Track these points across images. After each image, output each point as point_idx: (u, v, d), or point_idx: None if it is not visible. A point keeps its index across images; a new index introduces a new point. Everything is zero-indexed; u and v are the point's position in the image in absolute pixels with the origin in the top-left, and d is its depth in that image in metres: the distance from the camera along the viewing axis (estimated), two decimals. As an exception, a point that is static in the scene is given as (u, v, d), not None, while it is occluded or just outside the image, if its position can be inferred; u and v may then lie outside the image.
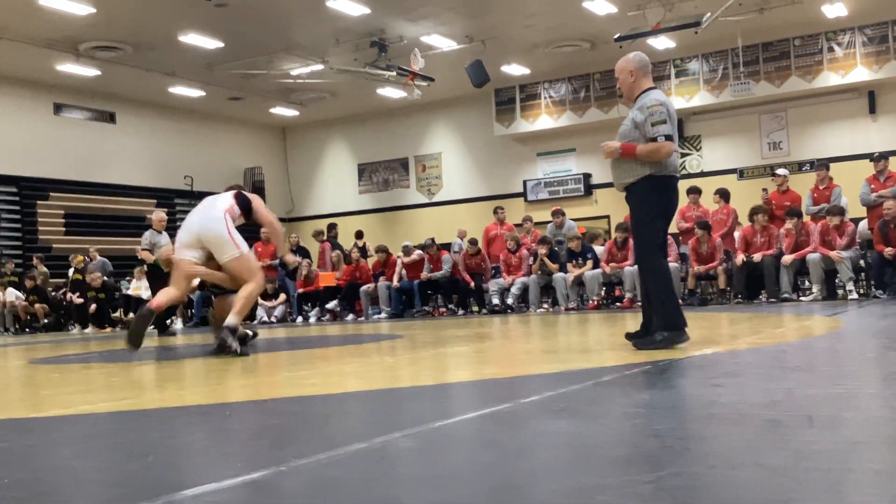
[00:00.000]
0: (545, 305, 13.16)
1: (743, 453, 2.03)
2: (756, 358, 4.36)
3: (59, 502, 1.90)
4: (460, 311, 13.89)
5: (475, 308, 13.93)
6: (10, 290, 16.21)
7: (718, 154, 18.11)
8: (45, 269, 16.70)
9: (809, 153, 17.00)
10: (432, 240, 14.27)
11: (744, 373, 3.75)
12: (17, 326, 16.10)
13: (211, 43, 15.86)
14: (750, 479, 1.78)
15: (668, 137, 4.86)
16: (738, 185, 16.55)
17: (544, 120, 19.33)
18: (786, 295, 10.95)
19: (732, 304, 11.26)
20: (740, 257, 11.27)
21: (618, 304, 12.43)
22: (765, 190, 13.61)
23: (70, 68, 16.69)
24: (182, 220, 21.92)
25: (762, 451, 2.04)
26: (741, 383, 3.37)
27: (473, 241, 14.24)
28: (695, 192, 12.68)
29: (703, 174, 17.72)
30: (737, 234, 12.06)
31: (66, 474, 2.23)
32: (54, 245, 18.28)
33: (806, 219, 11.44)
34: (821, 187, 11.85)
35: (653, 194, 4.89)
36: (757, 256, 11.14)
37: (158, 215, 11.74)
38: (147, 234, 11.56)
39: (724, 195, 12.46)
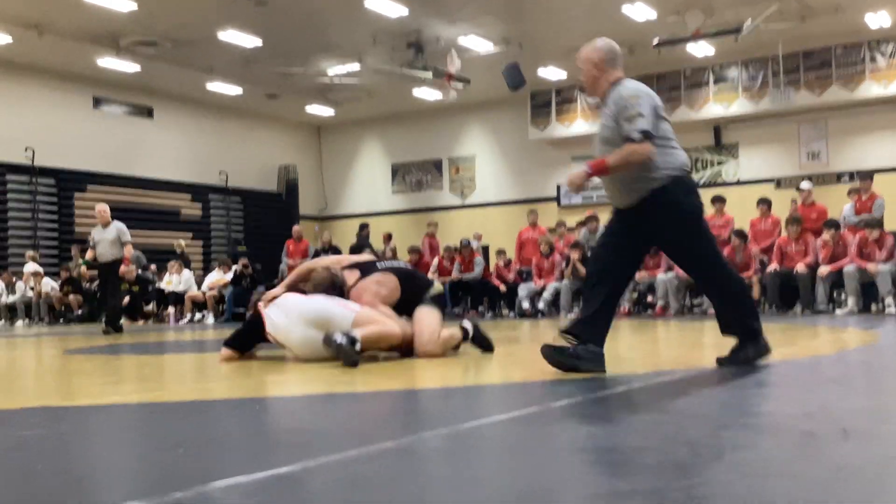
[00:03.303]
0: (576, 311, 13.10)
1: (776, 464, 2.00)
2: (791, 369, 4.30)
3: (92, 491, 1.92)
4: (489, 314, 13.88)
5: (505, 311, 13.91)
6: (46, 280, 16.44)
7: (756, 163, 17.92)
8: (81, 261, 16.92)
9: (849, 164, 16.77)
10: (467, 241, 14.29)
11: (778, 384, 3.70)
12: (51, 316, 16.33)
13: (249, 40, 15.99)
14: (783, 490, 1.75)
15: (647, 135, 3.86)
16: (776, 195, 16.33)
17: (580, 124, 19.25)
18: (821, 307, 10.80)
19: (766, 315, 11.13)
20: (774, 265, 11.13)
21: (650, 311, 12.34)
22: (794, 202, 13.46)
23: (110, 63, 16.91)
24: (215, 215, 22.09)
25: (796, 462, 2.01)
26: (775, 394, 3.33)
27: (502, 252, 14.22)
28: (719, 200, 12.57)
29: (739, 183, 17.56)
30: (772, 244, 11.95)
31: (98, 463, 2.25)
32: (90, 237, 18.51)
33: (843, 230, 11.30)
34: (863, 198, 11.70)
35: (688, 196, 4.04)
36: (800, 267, 10.95)
37: (99, 207, 10.90)
38: (93, 230, 10.90)
39: (769, 205, 12.31)
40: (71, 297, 16.18)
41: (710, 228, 4.26)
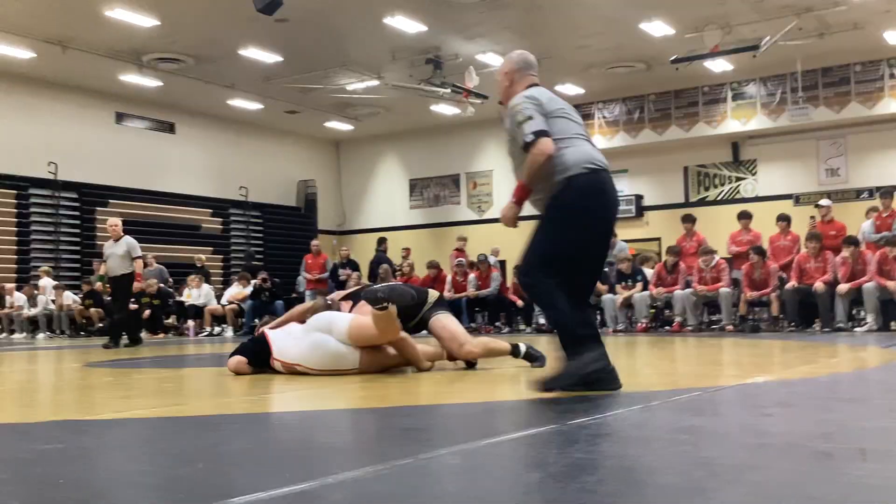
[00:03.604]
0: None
1: (793, 485, 2.00)
2: (809, 388, 4.28)
3: (112, 504, 1.94)
4: (505, 330, 13.86)
5: (522, 327, 13.88)
6: (67, 293, 16.58)
7: (774, 179, 17.85)
8: (102, 275, 17.06)
9: (868, 181, 16.68)
10: (484, 256, 14.30)
11: (796, 403, 3.69)
12: (72, 329, 16.45)
13: (270, 57, 16.13)
14: (800, 511, 1.75)
15: (541, 133, 3.78)
16: (794, 211, 16.27)
17: (597, 140, 19.20)
18: (840, 324, 10.73)
19: (785, 332, 11.06)
20: (792, 282, 11.07)
21: (667, 327, 12.30)
22: (812, 218, 13.39)
23: (133, 79, 17.09)
24: (235, 229, 22.21)
25: (813, 483, 2.01)
26: (793, 413, 3.32)
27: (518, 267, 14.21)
28: (745, 216, 12.51)
29: (757, 199, 17.48)
30: (790, 260, 11.88)
31: (119, 477, 2.28)
32: (111, 251, 18.66)
33: (862, 247, 11.23)
34: (884, 215, 11.63)
35: (583, 199, 3.81)
36: (819, 286, 10.87)
37: (111, 221, 10.98)
38: (105, 245, 10.93)
39: (789, 222, 12.25)
40: (92, 310, 16.30)
41: (586, 232, 3.88)
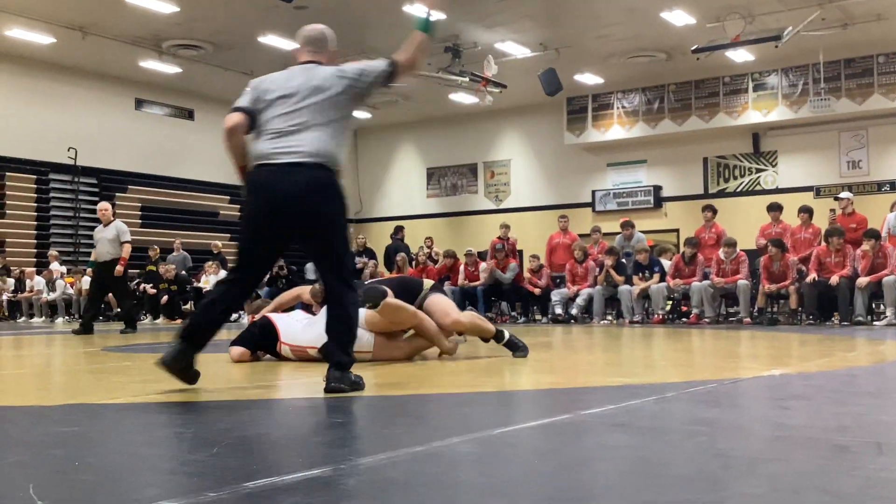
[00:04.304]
0: (609, 317, 13.04)
1: (809, 478, 1.98)
2: (826, 381, 4.25)
3: (129, 488, 1.95)
4: (521, 319, 13.86)
5: (538, 317, 13.87)
6: (86, 278, 16.70)
7: (795, 171, 17.72)
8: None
9: (890, 173, 16.54)
10: (501, 246, 14.27)
11: (813, 396, 3.67)
12: (91, 314, 16.56)
13: (289, 44, 16.12)
14: (815, 504, 1.74)
15: (233, 108, 3.97)
16: (815, 204, 16.16)
17: (616, 130, 19.17)
18: (859, 318, 10.64)
19: (803, 326, 10.99)
20: (812, 276, 10.99)
21: (684, 319, 12.25)
22: (832, 211, 13.27)
23: (152, 65, 17.16)
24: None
25: (829, 476, 2.00)
26: (810, 406, 3.30)
27: (535, 257, 14.17)
28: (775, 209, 12.40)
29: (778, 191, 17.36)
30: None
31: (136, 461, 2.29)
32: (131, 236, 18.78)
33: (885, 240, 11.13)
34: (906, 208, 11.53)
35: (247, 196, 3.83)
36: (834, 279, 10.79)
37: (101, 205, 10.89)
38: (95, 229, 10.74)
39: (811, 214, 12.15)
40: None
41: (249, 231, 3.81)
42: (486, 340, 5.60)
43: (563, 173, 20.46)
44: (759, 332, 9.45)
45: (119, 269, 10.33)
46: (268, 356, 5.48)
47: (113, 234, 10.31)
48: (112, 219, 10.52)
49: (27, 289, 17.11)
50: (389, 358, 5.18)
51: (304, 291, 5.70)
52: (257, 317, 5.66)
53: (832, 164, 17.40)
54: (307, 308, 5.67)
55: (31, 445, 2.53)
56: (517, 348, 5.48)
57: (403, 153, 23.21)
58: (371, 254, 16.52)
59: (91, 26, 15.14)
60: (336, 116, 3.84)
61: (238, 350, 5.30)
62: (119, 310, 10.84)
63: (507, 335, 5.51)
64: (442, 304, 5.51)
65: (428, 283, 5.74)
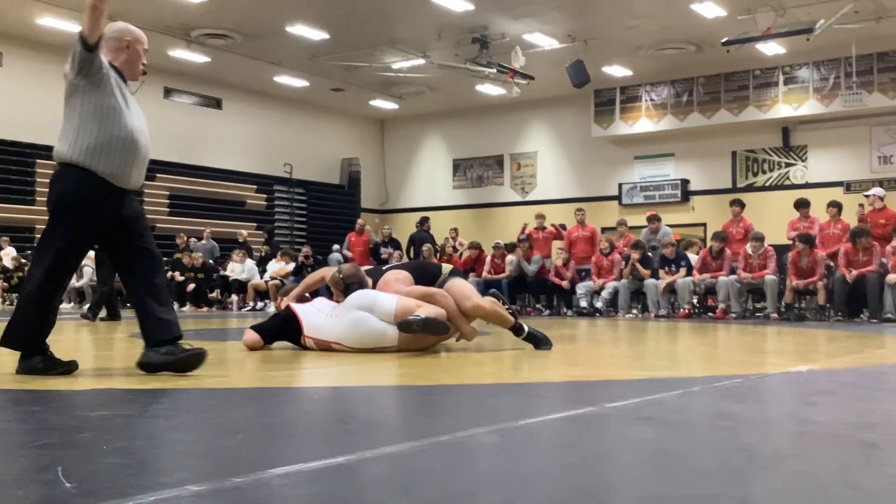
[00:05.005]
0: (634, 311, 12.98)
1: (835, 474, 1.97)
2: (854, 378, 4.21)
3: (155, 472, 1.98)
4: (546, 312, 13.83)
5: (564, 310, 13.84)
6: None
7: (825, 166, 17.53)
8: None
9: (923, 169, 16.31)
10: (525, 237, 14.26)
11: (840, 392, 3.63)
12: (117, 300, 16.72)
13: (317, 34, 16.18)
14: (841, 500, 1.73)
15: None
16: (845, 199, 15.98)
17: (644, 123, 19.05)
18: (889, 315, 10.51)
19: (831, 322, 10.88)
20: (848, 273, 10.80)
21: (710, 314, 12.17)
22: (861, 206, 13.11)
23: (181, 54, 17.27)
24: (279, 206, 22.38)
25: (855, 472, 1.98)
26: (837, 402, 3.27)
27: (562, 250, 14.13)
28: (803, 205, 12.27)
29: (807, 185, 17.18)
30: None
31: (161, 445, 2.32)
32: (158, 225, 18.95)
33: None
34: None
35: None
36: (851, 276, 10.63)
37: None
38: None
39: (840, 209, 12.01)
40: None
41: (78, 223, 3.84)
42: (514, 333, 5.56)
43: (590, 166, 20.37)
44: (786, 327, 9.37)
45: None
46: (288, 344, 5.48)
47: None
48: None
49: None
50: (415, 349, 5.20)
51: (328, 273, 5.69)
52: (285, 300, 5.65)
53: (863, 159, 17.18)
54: (329, 294, 5.65)
55: (59, 429, 2.57)
56: (539, 341, 5.46)
57: (430, 144, 23.21)
58: (396, 244, 16.55)
59: (121, 15, 15.21)
60: (66, 112, 3.89)
61: (252, 337, 5.30)
62: (95, 294, 10.62)
63: (526, 329, 5.49)
64: (463, 287, 5.52)
65: (447, 267, 5.75)
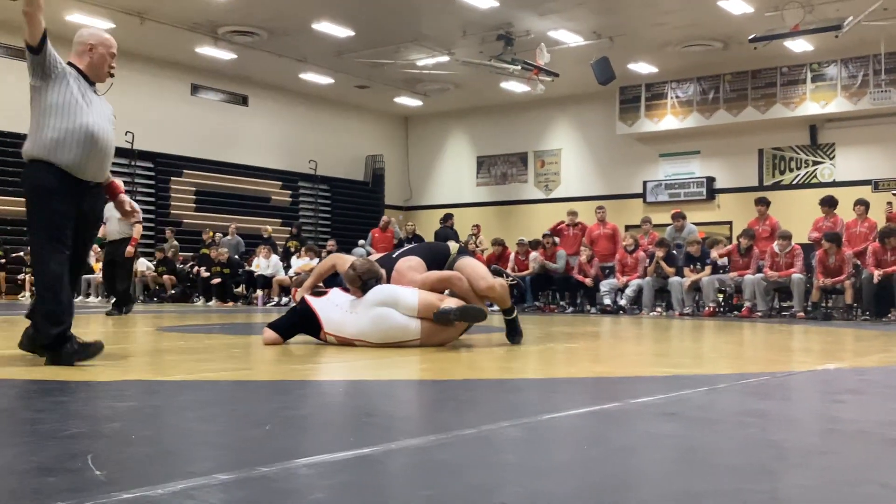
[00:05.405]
0: (658, 309, 12.92)
1: (863, 471, 1.95)
2: (882, 376, 4.17)
3: (183, 462, 2.00)
4: (570, 309, 13.79)
5: (587, 307, 13.79)
6: (142, 260, 17.03)
7: (853, 164, 17.34)
8: (175, 243, 17.47)
9: (953, 167, 16.09)
10: (549, 233, 14.23)
11: (868, 390, 3.60)
12: (146, 295, 16.91)
13: (342, 31, 16.22)
14: (870, 497, 1.71)
15: None
16: (873, 198, 15.80)
17: (669, 120, 18.94)
18: (918, 314, 10.39)
19: (858, 321, 10.77)
20: (876, 273, 10.68)
21: (735, 312, 12.08)
22: (889, 204, 12.96)
23: (208, 51, 17.38)
24: (304, 202, 22.39)
25: (884, 469, 1.96)
26: (865, 400, 3.24)
27: (586, 247, 14.07)
28: (827, 203, 12.15)
29: (835, 184, 17.01)
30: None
31: (189, 436, 2.34)
32: (185, 220, 19.10)
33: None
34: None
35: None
36: (876, 276, 10.51)
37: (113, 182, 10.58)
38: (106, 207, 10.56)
39: (867, 207, 11.88)
40: (165, 276, 16.72)
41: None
42: (504, 312, 5.65)
43: (614, 163, 20.28)
44: (812, 326, 9.29)
45: (130, 249, 10.12)
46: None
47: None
48: None
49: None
50: (438, 343, 5.20)
51: (339, 260, 5.68)
52: (299, 291, 5.61)
53: (891, 158, 16.97)
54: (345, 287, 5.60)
55: (89, 419, 2.60)
56: (515, 332, 5.57)
57: (454, 141, 23.21)
58: (420, 241, 16.56)
59: (149, 12, 15.38)
60: (31, 114, 4.07)
61: (272, 335, 5.32)
62: (116, 292, 10.45)
63: (515, 314, 5.60)
64: (476, 267, 5.57)
65: (454, 246, 5.77)
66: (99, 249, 14.07)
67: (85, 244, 4.24)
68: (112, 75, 4.30)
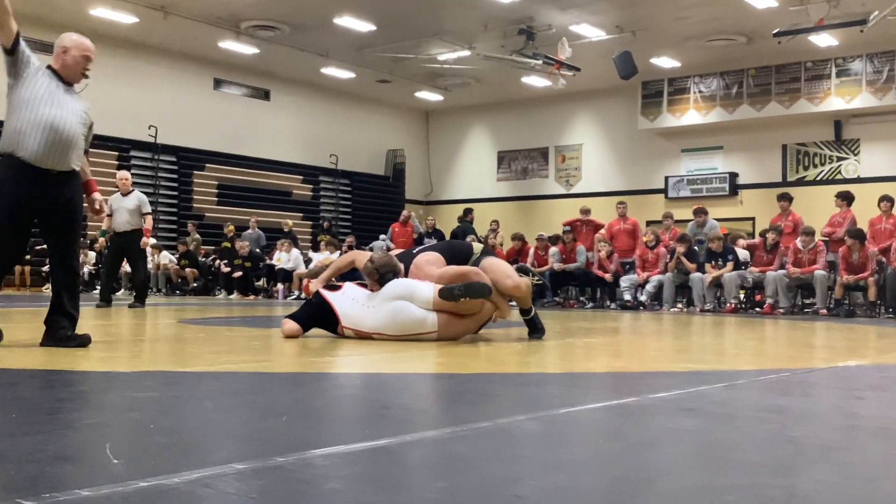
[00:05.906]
0: (679, 305, 12.85)
1: (883, 467, 1.93)
2: (905, 374, 4.13)
3: (201, 451, 2.01)
4: (589, 305, 13.75)
5: (607, 303, 13.75)
6: (165, 253, 17.14)
7: (878, 160, 17.15)
8: (197, 236, 17.57)
9: (980, 163, 15.88)
10: (568, 229, 14.18)
11: (889, 387, 3.56)
12: (168, 288, 17.02)
13: (364, 26, 16.23)
14: (889, 493, 1.70)
15: None
16: (898, 194, 15.66)
17: (692, 115, 18.81)
18: (943, 312, 10.28)
19: (882, 318, 10.67)
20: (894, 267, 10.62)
21: (757, 309, 12.00)
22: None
23: (231, 45, 17.45)
24: (325, 196, 22.51)
25: (905, 467, 1.94)
26: (886, 397, 3.20)
27: (606, 242, 14.01)
28: (840, 196, 12.05)
29: (859, 180, 16.84)
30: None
31: (208, 426, 2.36)
32: (207, 214, 19.21)
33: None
34: None
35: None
36: None
37: (121, 174, 10.33)
38: (113, 196, 10.01)
39: (892, 203, 11.75)
40: (187, 270, 16.81)
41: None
42: (522, 312, 5.63)
43: (636, 159, 20.18)
44: (835, 323, 9.21)
45: (145, 240, 10.04)
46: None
47: (134, 205, 9.85)
48: (131, 188, 10.11)
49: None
50: (455, 335, 5.20)
51: (358, 256, 5.67)
52: (313, 283, 5.59)
53: (918, 154, 16.79)
54: (359, 282, 5.60)
55: (107, 408, 2.62)
56: (536, 329, 5.56)
57: (474, 136, 23.18)
58: (440, 235, 16.57)
59: (172, 6, 15.46)
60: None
61: (292, 326, 5.33)
62: (106, 282, 10.39)
63: (533, 312, 5.60)
64: (501, 265, 5.57)
65: (478, 247, 5.74)
66: (102, 241, 14.05)
67: (63, 236, 4.39)
68: (86, 76, 4.50)
